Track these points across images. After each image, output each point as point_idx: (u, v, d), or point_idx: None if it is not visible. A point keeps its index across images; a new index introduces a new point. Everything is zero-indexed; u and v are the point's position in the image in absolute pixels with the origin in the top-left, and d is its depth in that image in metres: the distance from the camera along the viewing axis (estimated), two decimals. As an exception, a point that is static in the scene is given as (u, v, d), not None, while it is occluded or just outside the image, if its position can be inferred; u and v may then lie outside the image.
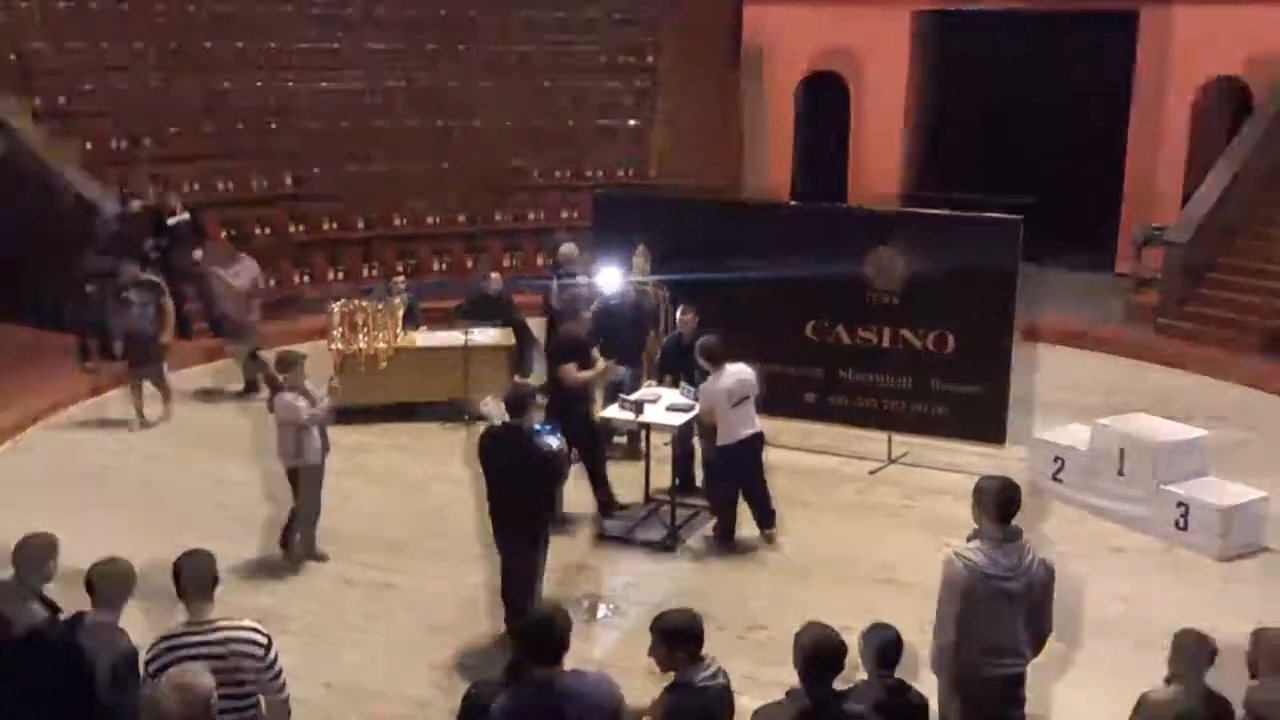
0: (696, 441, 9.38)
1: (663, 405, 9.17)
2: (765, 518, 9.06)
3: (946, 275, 10.13)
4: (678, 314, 9.59)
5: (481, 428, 7.90)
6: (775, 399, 10.57)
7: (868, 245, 10.39)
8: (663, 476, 9.60)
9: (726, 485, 8.90)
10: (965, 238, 10.13)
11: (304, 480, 8.40)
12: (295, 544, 8.57)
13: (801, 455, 10.88)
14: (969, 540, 5.33)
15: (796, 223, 10.89)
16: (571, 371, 9.05)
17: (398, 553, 8.87)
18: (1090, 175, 16.94)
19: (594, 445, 9.30)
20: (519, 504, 7.17)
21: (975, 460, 10.39)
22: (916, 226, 10.51)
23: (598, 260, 11.55)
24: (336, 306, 11.78)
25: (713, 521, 9.10)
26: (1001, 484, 5.37)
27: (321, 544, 8.92)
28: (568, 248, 12.46)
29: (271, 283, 15.51)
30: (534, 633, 4.54)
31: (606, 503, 9.32)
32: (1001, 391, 10.19)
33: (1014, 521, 5.35)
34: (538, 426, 7.44)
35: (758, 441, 8.91)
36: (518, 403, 7.28)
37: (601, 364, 9.06)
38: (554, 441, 7.37)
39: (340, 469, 10.47)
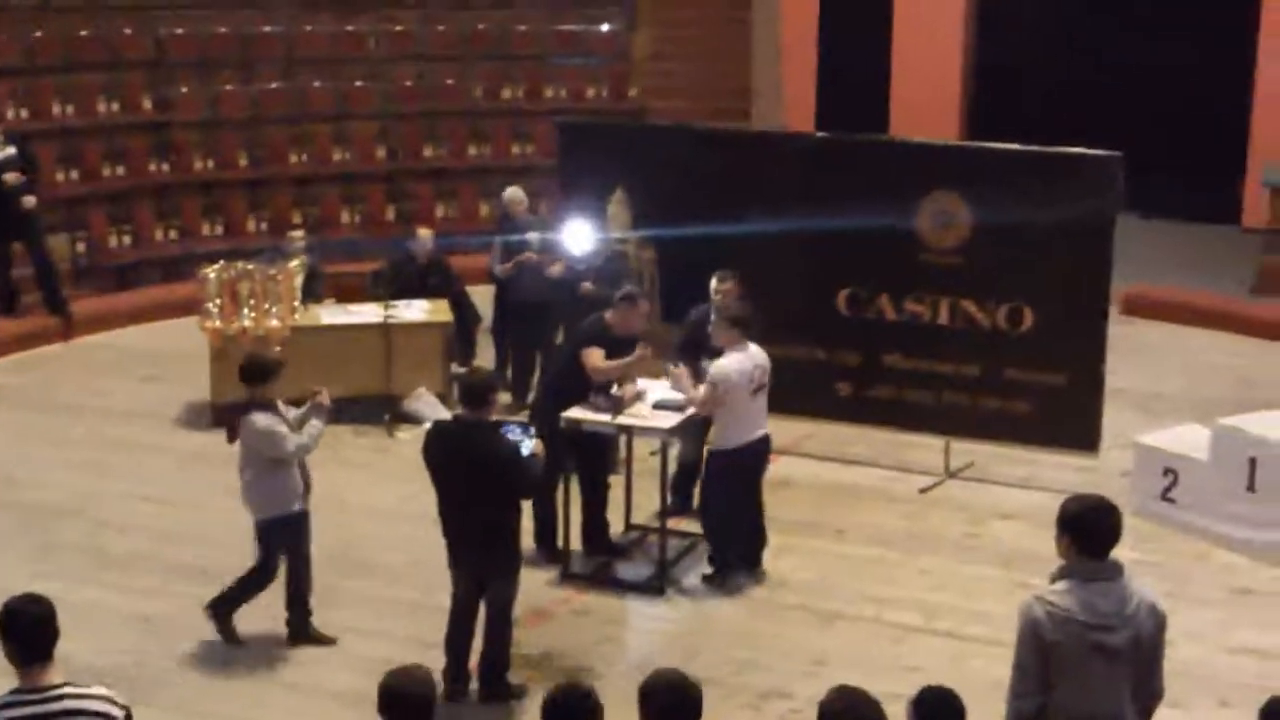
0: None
1: (648, 402, 9.19)
2: (757, 551, 9.17)
3: (1024, 229, 10.18)
4: (713, 282, 9.57)
5: (410, 432, 7.91)
6: (797, 393, 10.62)
7: (921, 189, 10.42)
8: (649, 496, 9.62)
9: (729, 501, 8.96)
10: (1049, 179, 10.18)
11: (282, 537, 8.12)
12: (291, 623, 8.27)
13: (831, 468, 10.92)
14: (1054, 581, 5.36)
15: (825, 159, 10.92)
16: (596, 359, 9.04)
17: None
18: (1208, 101, 17.02)
19: (603, 460, 9.38)
20: (480, 520, 7.28)
21: (1060, 474, 10.45)
22: (985, 164, 10.56)
23: (560, 211, 11.55)
24: (213, 272, 11.77)
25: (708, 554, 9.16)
26: (1094, 506, 5.40)
27: (202, 584, 8.94)
28: (512, 193, 12.50)
29: (125, 240, 15.51)
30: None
31: (595, 536, 9.38)
32: (1094, 382, 10.24)
33: (1113, 555, 5.39)
34: (505, 424, 7.51)
35: (767, 446, 9.00)
36: (476, 392, 7.35)
37: (640, 350, 9.05)
38: (528, 444, 7.44)
39: (218, 488, 10.50)
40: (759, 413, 8.88)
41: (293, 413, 8.18)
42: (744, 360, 8.76)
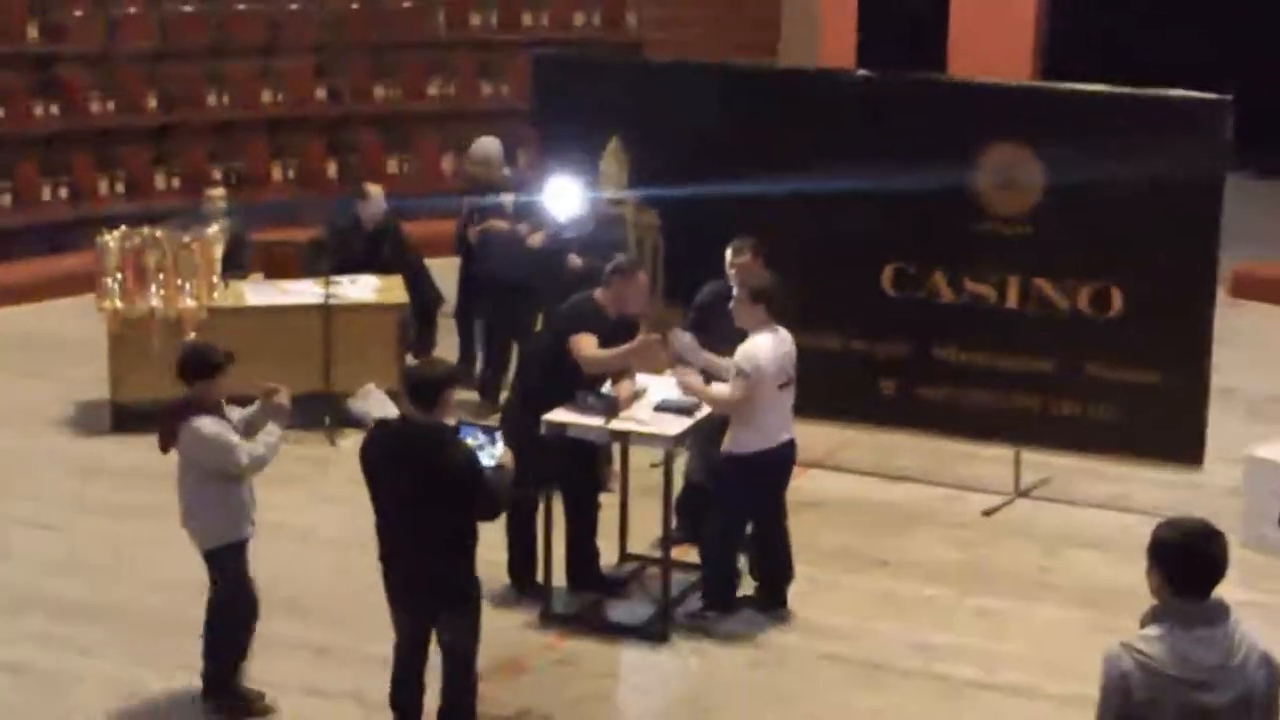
0: None
1: (648, 403, 9.19)
2: (781, 586, 9.20)
3: (1109, 191, 10.19)
4: (728, 253, 9.59)
5: (356, 439, 7.90)
6: (831, 392, 10.63)
7: (984, 141, 10.44)
8: (648, 519, 9.63)
9: (737, 515, 8.97)
10: (1141, 130, 10.18)
11: (230, 565, 8.03)
12: (233, 681, 8.20)
13: (873, 484, 10.95)
14: (1144, 625, 5.37)
15: (868, 104, 10.93)
16: (588, 348, 9.04)
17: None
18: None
19: (592, 474, 9.42)
20: (426, 540, 7.29)
21: (1155, 493, 10.46)
22: (1061, 111, 10.56)
23: (542, 165, 11.54)
24: (112, 240, 11.78)
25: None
26: (1194, 533, 5.39)
27: (90, 624, 8.96)
28: (483, 145, 12.50)
29: (3, 200, 15.50)
30: None
31: (582, 568, 9.40)
32: (1197, 381, 10.26)
33: (1216, 594, 5.39)
34: (465, 427, 7.51)
35: (792, 454, 9.04)
36: (428, 388, 7.34)
37: (642, 338, 9.05)
38: (488, 451, 7.45)
39: (123, 509, 10.54)
40: (786, 411, 8.92)
41: (237, 413, 8.08)
42: (775, 345, 8.79)
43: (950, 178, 10.46)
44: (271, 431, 7.98)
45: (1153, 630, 5.29)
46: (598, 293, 9.20)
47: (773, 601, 9.20)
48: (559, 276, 11.02)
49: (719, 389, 8.88)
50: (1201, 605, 5.29)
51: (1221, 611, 5.31)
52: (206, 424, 7.80)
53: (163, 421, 8.03)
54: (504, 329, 12.14)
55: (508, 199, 12.12)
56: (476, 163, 12.53)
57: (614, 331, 9.13)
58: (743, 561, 9.29)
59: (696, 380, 8.98)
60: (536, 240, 11.71)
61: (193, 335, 11.59)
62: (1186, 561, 5.29)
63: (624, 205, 11.34)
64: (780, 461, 8.99)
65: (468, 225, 12.30)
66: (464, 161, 13.12)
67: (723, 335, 9.09)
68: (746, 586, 9.28)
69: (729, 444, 8.92)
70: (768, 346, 8.78)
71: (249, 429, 8.03)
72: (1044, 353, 10.54)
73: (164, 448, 8.08)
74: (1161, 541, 5.32)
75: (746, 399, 8.74)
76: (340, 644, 8.72)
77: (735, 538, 9.10)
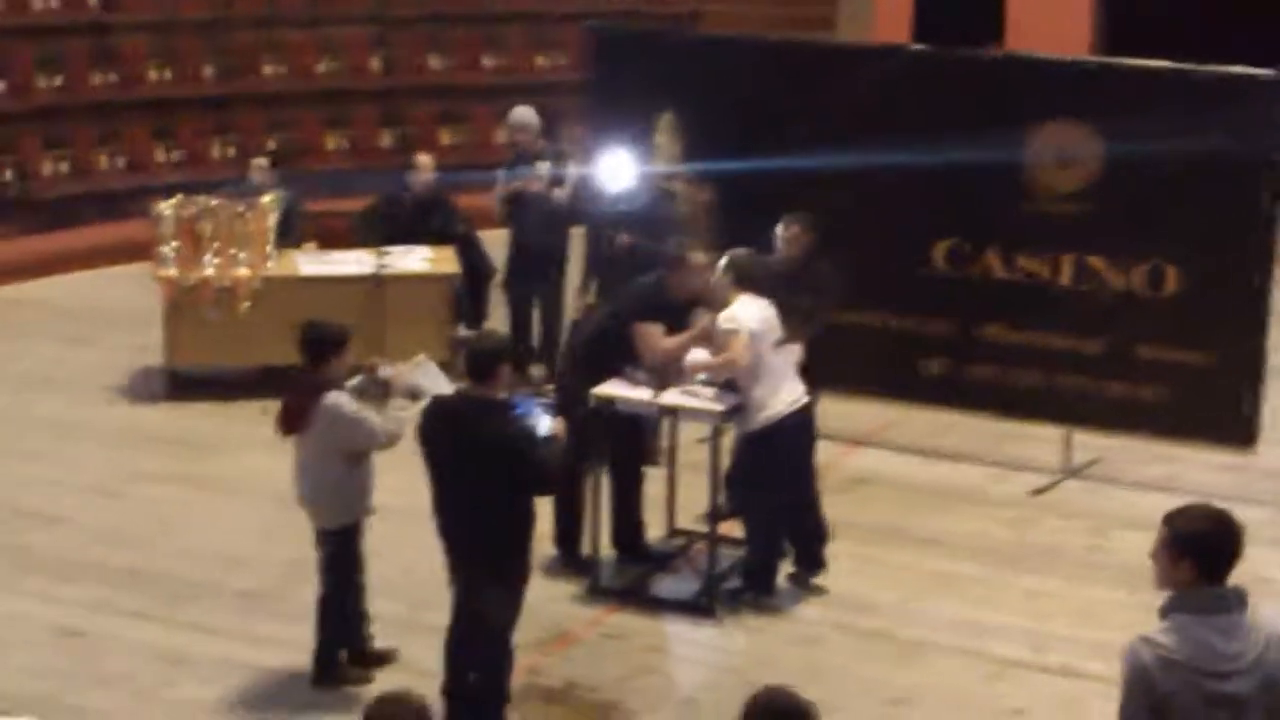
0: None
1: (699, 379, 9.18)
2: (816, 549, 9.18)
3: (1167, 168, 10.14)
4: (779, 229, 9.58)
5: (408, 410, 7.92)
6: (877, 370, 10.62)
7: (1037, 117, 10.40)
8: (696, 494, 9.64)
9: (770, 490, 8.96)
10: (1199, 106, 10.12)
11: (340, 547, 8.04)
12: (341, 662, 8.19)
13: (920, 463, 10.93)
14: (1163, 617, 5.33)
15: (922, 80, 10.89)
16: (656, 338, 9.02)
17: (260, 611, 8.95)
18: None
19: (638, 447, 9.44)
20: (481, 515, 7.33)
21: (1206, 475, 10.43)
22: (1118, 87, 10.50)
23: (593, 139, 11.53)
24: (168, 209, 11.83)
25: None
26: (1205, 519, 5.35)
27: (138, 590, 9.04)
28: (521, 115, 12.49)
29: (61, 168, 15.58)
30: None
31: (630, 541, 9.43)
32: (1252, 361, 10.22)
33: (1231, 579, 5.35)
34: (518, 400, 7.53)
35: (808, 413, 9.01)
36: (485, 361, 7.37)
37: (706, 320, 9.04)
38: (543, 422, 7.46)
39: (173, 476, 10.62)
40: (789, 369, 8.90)
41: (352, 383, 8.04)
42: (758, 306, 8.80)
43: (1005, 154, 10.42)
44: (400, 407, 7.90)
45: (1172, 622, 5.26)
46: (656, 275, 9.18)
47: (813, 566, 9.18)
48: (605, 251, 11.05)
49: (722, 355, 8.83)
50: (1222, 593, 5.26)
51: (1240, 598, 5.28)
52: (345, 401, 7.77)
53: (290, 401, 7.97)
54: (525, 292, 12.20)
55: (544, 167, 12.12)
56: (516, 129, 12.52)
57: (674, 314, 9.14)
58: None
59: (700, 356, 8.96)
60: (560, 195, 11.83)
61: (246, 304, 11.67)
62: (1200, 548, 5.26)
63: (676, 181, 11.31)
64: (799, 425, 8.93)
65: (502, 193, 12.32)
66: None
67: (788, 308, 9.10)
68: (787, 565, 9.27)
69: (745, 424, 8.88)
70: (749, 307, 8.77)
71: (394, 406, 8.02)
72: (1096, 331, 10.50)
73: (290, 429, 7.97)
74: (1189, 531, 5.26)
75: (749, 353, 8.69)
76: (393, 614, 8.69)
77: (779, 517, 9.09)
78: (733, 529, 9.45)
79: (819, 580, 9.20)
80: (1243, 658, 5.21)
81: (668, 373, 9.02)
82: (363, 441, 7.81)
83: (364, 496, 7.98)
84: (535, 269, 12.19)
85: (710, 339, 9.00)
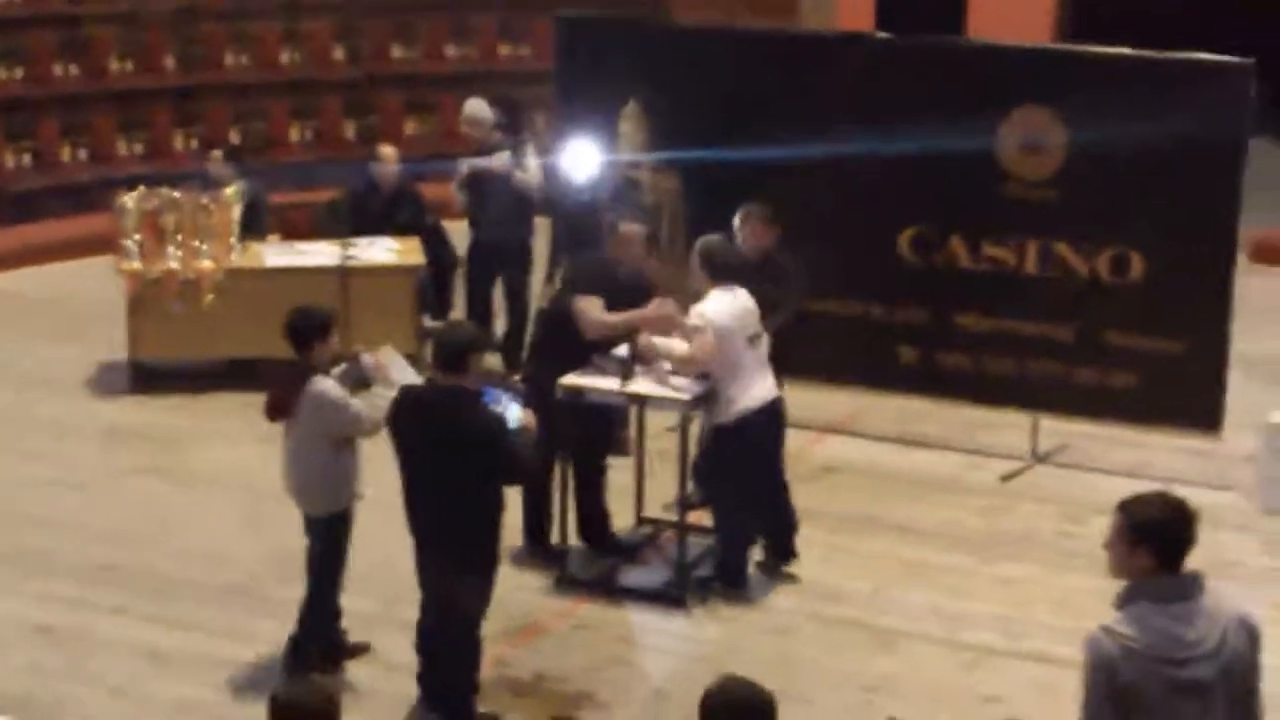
0: None
1: (664, 367, 9.14)
2: (786, 538, 9.16)
3: (1132, 155, 10.12)
4: (736, 219, 9.54)
5: (387, 394, 7.86)
6: (849, 358, 10.61)
7: (1005, 104, 10.37)
8: (664, 483, 9.59)
9: (739, 482, 8.92)
10: (1163, 93, 10.10)
11: (331, 533, 7.99)
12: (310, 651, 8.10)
13: (891, 450, 10.91)
14: (1120, 607, 5.31)
15: (886, 67, 10.86)
16: (592, 311, 9.00)
17: (237, 606, 8.91)
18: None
19: (602, 435, 9.38)
20: (452, 506, 7.31)
21: (1174, 460, 10.43)
22: (1083, 74, 10.48)
23: (560, 128, 11.49)
24: (131, 201, 11.75)
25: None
26: (1161, 505, 5.34)
27: (117, 586, 8.98)
28: (473, 106, 12.46)
29: (24, 160, 15.49)
30: None
31: (596, 531, 9.39)
32: (1217, 348, 10.21)
33: (1196, 564, 5.33)
34: (488, 389, 7.49)
35: (778, 410, 8.98)
36: (455, 352, 7.36)
37: (656, 304, 8.99)
38: (512, 412, 7.43)
39: (143, 468, 10.55)
40: (761, 366, 8.85)
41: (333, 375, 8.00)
42: (732, 300, 8.73)
43: (972, 142, 10.39)
44: (382, 394, 7.84)
45: (1131, 612, 5.25)
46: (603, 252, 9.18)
47: (784, 555, 9.17)
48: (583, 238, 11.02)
49: (682, 347, 8.80)
50: (1181, 579, 5.25)
51: (1197, 584, 5.27)
52: (330, 386, 7.76)
53: (277, 388, 7.95)
54: (516, 291, 12.15)
55: (503, 156, 12.07)
56: (469, 123, 12.47)
57: (624, 293, 9.08)
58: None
59: (674, 345, 8.90)
60: (522, 182, 11.85)
61: (210, 297, 11.59)
62: (1173, 536, 5.25)
63: (641, 169, 11.28)
64: (769, 418, 8.89)
65: (459, 181, 12.28)
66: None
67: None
68: (757, 553, 9.24)
69: (715, 416, 8.84)
70: (722, 302, 8.71)
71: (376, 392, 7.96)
72: (1063, 319, 10.48)
73: (277, 415, 7.94)
74: (1149, 520, 5.25)
75: (710, 351, 8.65)
76: (362, 609, 8.61)
77: (748, 509, 9.04)
78: (702, 518, 9.42)
79: (790, 569, 9.17)
80: (1204, 643, 5.20)
81: (640, 357, 8.97)
82: (348, 427, 7.77)
83: (351, 482, 7.94)
84: (497, 259, 12.12)
85: (668, 323, 8.95)
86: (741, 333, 8.73)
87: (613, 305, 8.99)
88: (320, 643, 8.11)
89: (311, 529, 8.01)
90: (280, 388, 7.91)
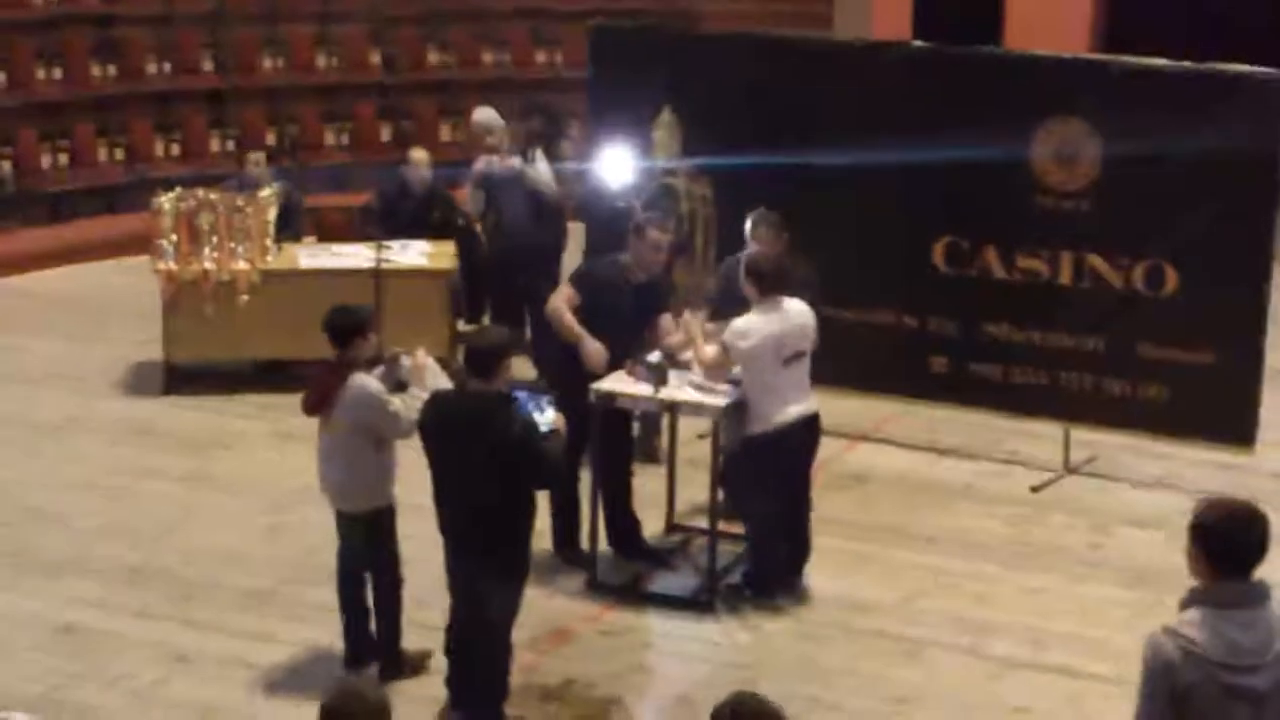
0: None
1: (699, 373, 9.15)
2: (797, 559, 9.15)
3: (1167, 167, 10.10)
4: (748, 227, 9.55)
5: (412, 398, 7.87)
6: (879, 368, 10.61)
7: (1040, 116, 10.36)
8: (695, 489, 9.59)
9: (763, 496, 8.92)
10: (1200, 104, 10.08)
11: (384, 530, 8.02)
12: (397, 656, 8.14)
13: (920, 459, 10.91)
14: (1184, 608, 5.30)
15: (921, 76, 10.86)
16: (558, 298, 9.12)
17: (262, 609, 8.92)
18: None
19: (625, 439, 9.42)
20: (483, 510, 7.32)
21: (1205, 473, 10.40)
22: (1119, 85, 10.45)
23: (595, 135, 11.52)
24: (167, 202, 11.79)
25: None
26: (1235, 513, 5.32)
27: (141, 587, 9.01)
28: (483, 117, 12.53)
29: (60, 161, 15.56)
30: None
31: (625, 537, 9.39)
32: (1251, 361, 10.18)
33: (1257, 574, 5.32)
34: (520, 394, 7.51)
35: (814, 429, 8.95)
36: (487, 356, 7.37)
37: (697, 322, 9.03)
38: (545, 416, 7.44)
39: (174, 473, 10.58)
40: (795, 387, 8.79)
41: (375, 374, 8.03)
42: (770, 321, 8.70)
43: (1006, 152, 10.38)
44: (419, 396, 7.83)
45: (1193, 615, 5.24)
46: (625, 254, 9.19)
47: (793, 569, 9.14)
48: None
49: (704, 349, 8.88)
50: (1242, 587, 5.24)
51: (1262, 593, 5.26)
52: (371, 383, 7.78)
53: (315, 383, 7.98)
54: (507, 292, 12.24)
55: (514, 162, 12.14)
56: (484, 131, 12.51)
57: (638, 296, 9.11)
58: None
59: (695, 333, 8.95)
60: (537, 180, 12.01)
61: (245, 298, 11.63)
62: (1229, 542, 5.24)
63: (676, 176, 11.29)
64: (797, 438, 8.84)
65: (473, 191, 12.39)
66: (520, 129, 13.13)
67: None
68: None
69: (749, 427, 8.82)
70: (760, 322, 8.68)
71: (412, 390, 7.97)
72: (1096, 330, 10.46)
73: (315, 410, 7.96)
74: (1204, 522, 5.27)
75: (721, 366, 8.74)
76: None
77: (766, 527, 9.00)
78: (732, 525, 9.42)
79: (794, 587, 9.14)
80: (1263, 652, 5.19)
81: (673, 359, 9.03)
82: (387, 425, 7.77)
83: (391, 479, 7.95)
84: (516, 262, 12.12)
85: (597, 360, 8.95)
86: (775, 353, 8.65)
87: (619, 309, 9.04)
88: (390, 647, 8.10)
89: (351, 529, 8.00)
90: (320, 382, 7.93)
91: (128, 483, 10.44)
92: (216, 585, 9.13)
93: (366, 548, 8.00)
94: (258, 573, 9.29)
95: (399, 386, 7.93)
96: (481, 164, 12.29)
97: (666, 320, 9.25)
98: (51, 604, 8.89)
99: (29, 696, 7.84)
